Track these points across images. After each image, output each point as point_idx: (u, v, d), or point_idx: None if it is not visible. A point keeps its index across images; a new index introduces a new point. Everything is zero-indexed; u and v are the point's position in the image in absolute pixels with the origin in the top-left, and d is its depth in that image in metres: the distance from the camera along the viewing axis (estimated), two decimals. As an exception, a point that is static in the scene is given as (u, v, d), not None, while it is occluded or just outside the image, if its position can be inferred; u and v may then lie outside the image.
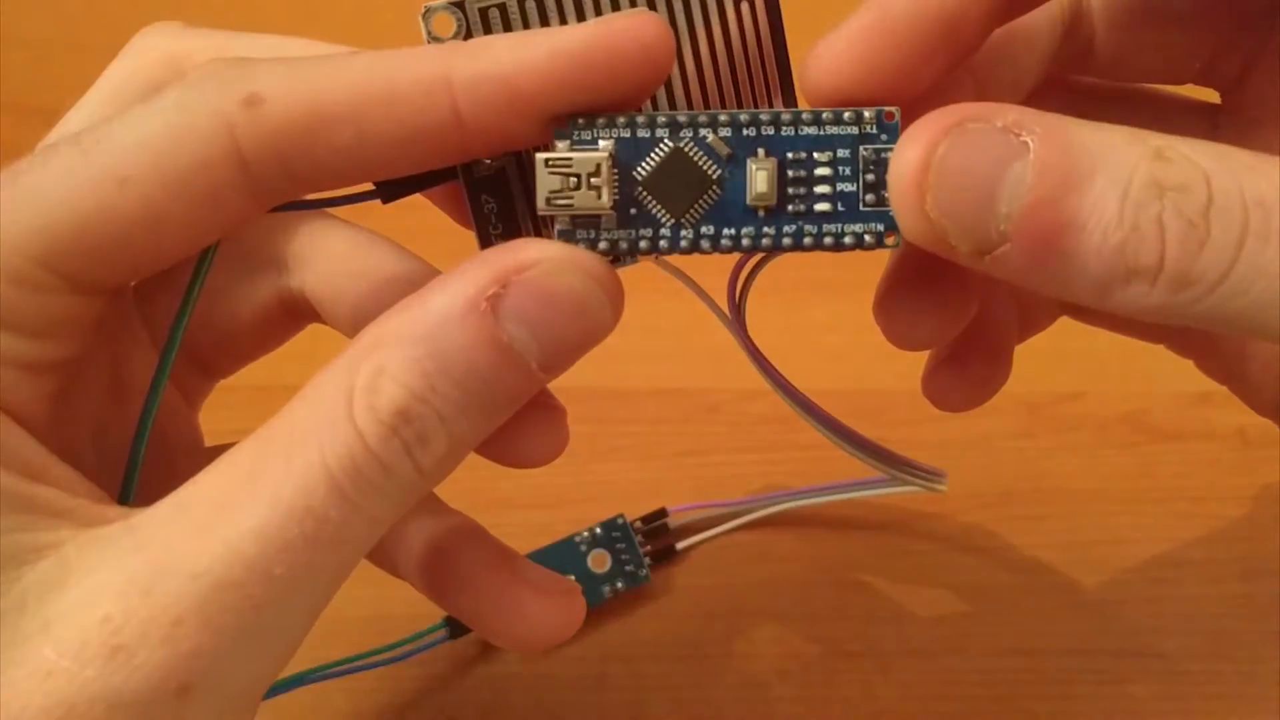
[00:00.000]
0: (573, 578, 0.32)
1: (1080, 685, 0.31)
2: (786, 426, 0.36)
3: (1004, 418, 0.38)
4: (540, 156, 0.18)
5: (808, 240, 0.19)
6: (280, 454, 0.17)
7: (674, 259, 0.19)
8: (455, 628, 0.31)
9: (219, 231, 0.19)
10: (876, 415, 0.36)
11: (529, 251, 0.18)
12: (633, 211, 0.18)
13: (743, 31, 0.20)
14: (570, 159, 0.18)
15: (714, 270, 0.21)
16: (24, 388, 0.18)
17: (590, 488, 0.36)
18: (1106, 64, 0.24)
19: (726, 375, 0.38)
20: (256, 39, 0.21)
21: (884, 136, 0.18)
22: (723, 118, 0.18)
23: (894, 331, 0.23)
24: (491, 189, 0.20)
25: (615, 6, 0.19)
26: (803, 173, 0.18)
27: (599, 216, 0.18)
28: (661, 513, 0.34)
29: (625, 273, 0.19)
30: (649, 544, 0.33)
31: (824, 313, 0.40)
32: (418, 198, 0.21)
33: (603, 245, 0.18)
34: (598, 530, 0.33)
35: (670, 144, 0.18)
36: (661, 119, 0.18)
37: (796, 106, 0.21)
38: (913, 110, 0.18)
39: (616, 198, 0.18)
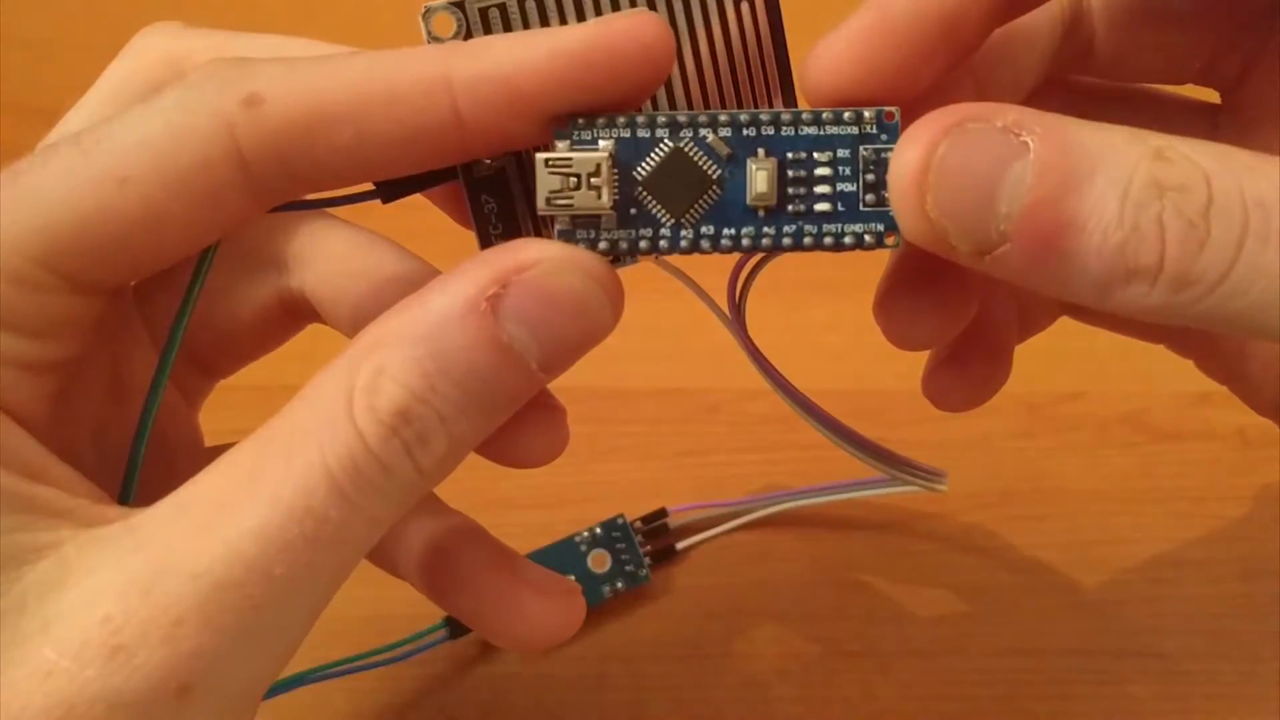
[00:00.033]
0: (573, 578, 0.32)
1: (1080, 685, 0.31)
2: (786, 426, 0.36)
3: (1004, 418, 0.38)
4: (540, 156, 0.18)
5: (808, 240, 0.19)
6: (280, 454, 0.17)
7: (674, 259, 0.19)
8: (455, 628, 0.31)
9: (219, 231, 0.19)
10: (876, 415, 0.36)
11: (529, 251, 0.18)
12: (633, 211, 0.18)
13: (743, 31, 0.20)
14: (570, 159, 0.18)
15: (714, 270, 0.21)
16: (24, 388, 0.18)
17: (590, 488, 0.36)
18: (1106, 64, 0.24)
19: (726, 375, 0.38)
20: (256, 39, 0.21)
21: (884, 136, 0.18)
22: (723, 118, 0.18)
23: (894, 331, 0.23)
24: (492, 189, 0.20)
25: (615, 6, 0.19)
26: (803, 173, 0.18)
27: (599, 216, 0.18)
28: (661, 513, 0.34)
29: (625, 273, 0.19)
30: (649, 544, 0.33)
31: (824, 313, 0.40)
32: (418, 198, 0.21)
33: (603, 245, 0.18)
34: (598, 530, 0.33)
35: (670, 144, 0.18)
36: (661, 119, 0.18)
37: (796, 106, 0.21)
38: (913, 110, 0.18)
39: (616, 198, 0.18)
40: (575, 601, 0.23)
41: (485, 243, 0.21)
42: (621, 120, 0.18)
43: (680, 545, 0.34)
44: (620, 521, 0.33)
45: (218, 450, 0.18)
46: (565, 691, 0.31)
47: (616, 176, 0.18)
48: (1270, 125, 0.23)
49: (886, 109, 0.18)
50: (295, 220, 0.23)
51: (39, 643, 0.16)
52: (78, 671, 0.16)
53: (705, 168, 0.18)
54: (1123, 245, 0.16)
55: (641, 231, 0.18)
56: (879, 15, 0.19)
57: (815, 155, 0.18)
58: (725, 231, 0.19)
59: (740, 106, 0.21)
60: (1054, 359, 0.35)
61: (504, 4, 0.19)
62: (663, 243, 0.19)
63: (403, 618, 0.30)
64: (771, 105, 0.21)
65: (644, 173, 0.18)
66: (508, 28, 0.19)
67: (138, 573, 0.16)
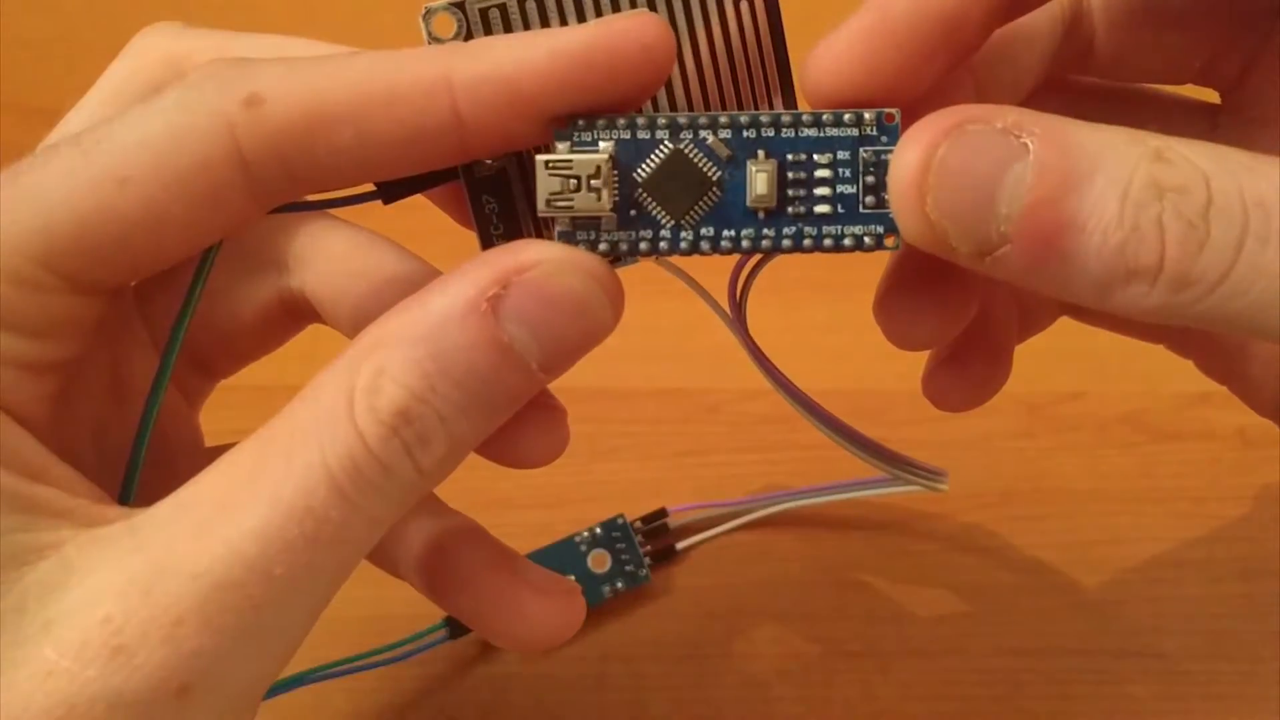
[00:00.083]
0: (573, 578, 0.32)
1: (1080, 685, 0.31)
2: (786, 426, 0.36)
3: (1004, 418, 0.38)
4: (540, 158, 0.18)
5: (807, 242, 0.19)
6: (281, 454, 0.17)
7: (674, 259, 0.19)
8: (455, 628, 0.31)
9: (219, 232, 0.19)
10: (876, 415, 0.36)
11: (529, 252, 0.18)
12: (633, 213, 0.18)
13: (743, 32, 0.20)
14: (570, 161, 0.18)
15: (714, 270, 0.21)
16: (24, 388, 0.18)
17: (590, 488, 0.36)
18: (1106, 64, 0.24)
19: (726, 375, 0.38)
20: (257, 39, 0.21)
21: (884, 138, 0.18)
22: (723, 119, 0.18)
23: (894, 332, 0.23)
24: (493, 189, 0.20)
25: (616, 7, 0.19)
26: (803, 174, 0.18)
27: (599, 218, 0.18)
28: (661, 513, 0.34)
29: (625, 273, 0.19)
30: (649, 544, 0.33)
31: (824, 313, 0.40)
32: (418, 198, 0.21)
33: (603, 246, 0.18)
34: (598, 530, 0.33)
35: (670, 145, 0.18)
36: (661, 120, 0.18)
37: (796, 108, 0.21)
38: (913, 111, 0.18)
39: (616, 199, 0.18)
40: (575, 601, 0.23)
41: (486, 243, 0.21)
42: (622, 121, 0.18)
43: (680, 545, 0.34)
44: (620, 521, 0.33)
45: (218, 450, 0.18)
46: (565, 691, 0.31)
47: (616, 178, 0.18)
48: (1270, 125, 0.23)
49: (887, 111, 0.18)
50: (296, 221, 0.23)
51: (39, 643, 0.16)
52: (78, 671, 0.16)
53: (705, 169, 0.18)
54: (1122, 245, 0.16)
55: (641, 233, 0.18)
56: (879, 16, 0.19)
57: (815, 157, 0.18)
58: (725, 233, 0.19)
59: (740, 108, 0.21)
60: (1054, 359, 0.35)
61: (504, 4, 0.19)
62: (662, 244, 0.19)
63: (403, 618, 0.30)
64: (771, 106, 0.21)
65: (644, 174, 0.18)
66: (508, 28, 0.19)
67: (138, 573, 0.16)
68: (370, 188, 0.20)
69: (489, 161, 0.20)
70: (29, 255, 0.17)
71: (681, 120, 0.18)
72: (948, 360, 0.25)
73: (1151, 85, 0.25)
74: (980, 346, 0.25)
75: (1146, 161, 0.16)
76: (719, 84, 0.20)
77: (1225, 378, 0.27)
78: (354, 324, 0.23)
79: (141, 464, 0.20)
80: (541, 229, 0.21)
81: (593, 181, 0.18)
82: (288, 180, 0.18)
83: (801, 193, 0.19)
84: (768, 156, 0.18)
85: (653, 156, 0.18)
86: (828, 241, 0.19)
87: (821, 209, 0.19)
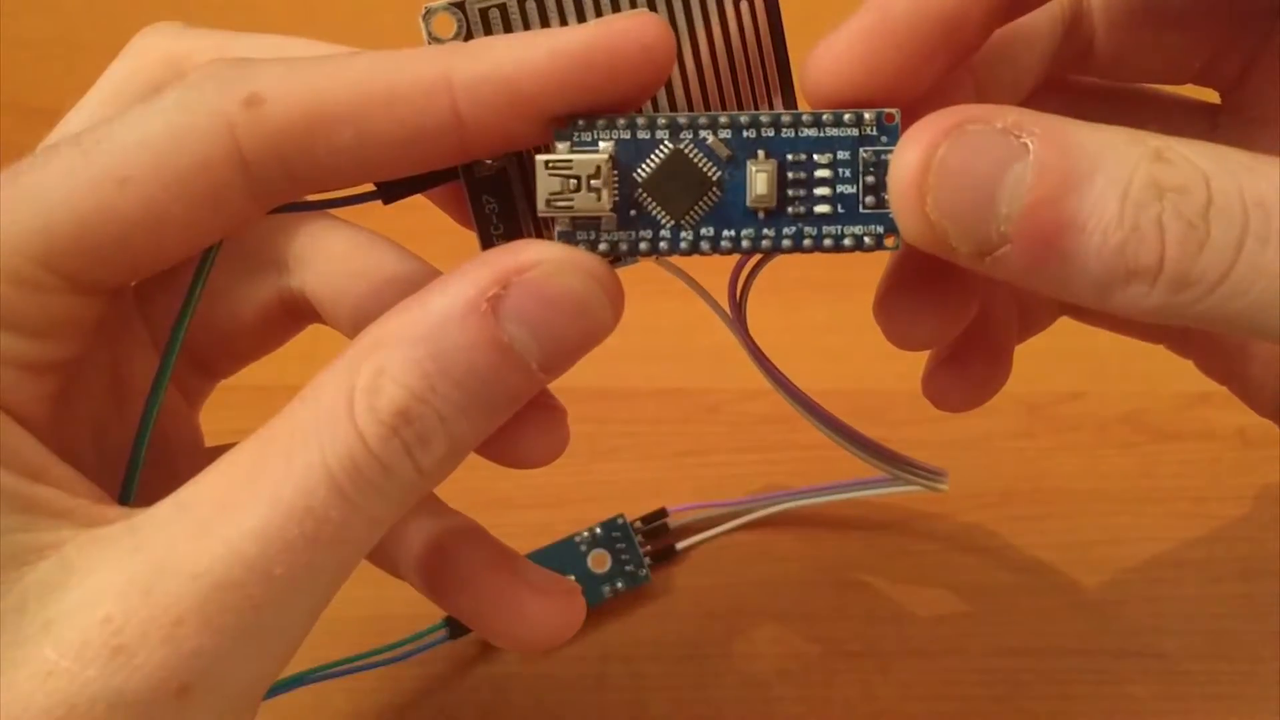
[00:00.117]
0: (573, 578, 0.32)
1: (1080, 685, 0.31)
2: (786, 426, 0.36)
3: (1004, 418, 0.38)
4: (540, 158, 0.18)
5: (807, 242, 0.19)
6: (281, 454, 0.17)
7: (674, 259, 0.19)
8: (455, 628, 0.31)
9: (219, 232, 0.19)
10: (876, 415, 0.36)
11: (529, 252, 0.18)
12: (632, 213, 0.18)
13: (742, 32, 0.20)
14: (570, 161, 0.18)
15: (714, 270, 0.21)
16: (24, 388, 0.18)
17: (590, 488, 0.36)
18: (1106, 64, 0.24)
19: (726, 375, 0.38)
20: (257, 39, 0.21)
21: (884, 138, 0.18)
22: (723, 119, 0.18)
23: (894, 332, 0.23)
24: (493, 189, 0.20)
25: (616, 7, 0.19)
26: (803, 174, 0.18)
27: (599, 218, 0.18)
28: (661, 513, 0.34)
29: (625, 273, 0.19)
30: (649, 544, 0.33)
31: (824, 313, 0.40)
32: (419, 198, 0.21)
33: (603, 246, 0.18)
34: (598, 530, 0.33)
35: (670, 145, 0.18)
36: (661, 120, 0.18)
37: (796, 108, 0.21)
38: (913, 111, 0.18)
39: (616, 199, 0.18)
40: (575, 602, 0.23)
41: (487, 243, 0.21)
42: (621, 121, 0.18)
43: (680, 545, 0.34)
44: (620, 521, 0.33)
45: (218, 450, 0.18)
46: (565, 691, 0.31)
47: (616, 178, 0.18)
48: (1270, 125, 0.24)
49: (886, 111, 0.18)
50: (296, 221, 0.23)
51: (39, 643, 0.16)
52: (78, 671, 0.16)
53: (705, 169, 0.18)
54: (1122, 246, 0.16)
55: (641, 233, 0.18)
56: (879, 16, 0.19)
57: (815, 157, 0.18)
58: (725, 233, 0.19)
59: (740, 108, 0.21)
60: (1054, 359, 0.35)
61: (504, 4, 0.19)
62: (662, 244, 0.19)
63: (403, 618, 0.30)
64: (771, 106, 0.21)
65: (644, 174, 0.18)
66: (508, 28, 0.19)
67: (138, 573, 0.16)
68: (370, 188, 0.20)
69: (489, 161, 0.20)
70: (29, 255, 0.17)
71: (681, 120, 0.18)
72: (948, 360, 0.25)
73: (1151, 85, 0.25)
74: (980, 347, 0.25)
75: (1146, 161, 0.16)
76: (719, 84, 0.20)
77: (1225, 378, 0.27)
78: (354, 324, 0.23)
79: (141, 464, 0.20)
80: (541, 229, 0.21)
81: (593, 181, 0.18)
82: (288, 180, 0.18)
83: (801, 193, 0.19)
84: (768, 156, 0.18)
85: (653, 156, 0.18)
86: (828, 241, 0.19)
87: (821, 209, 0.19)
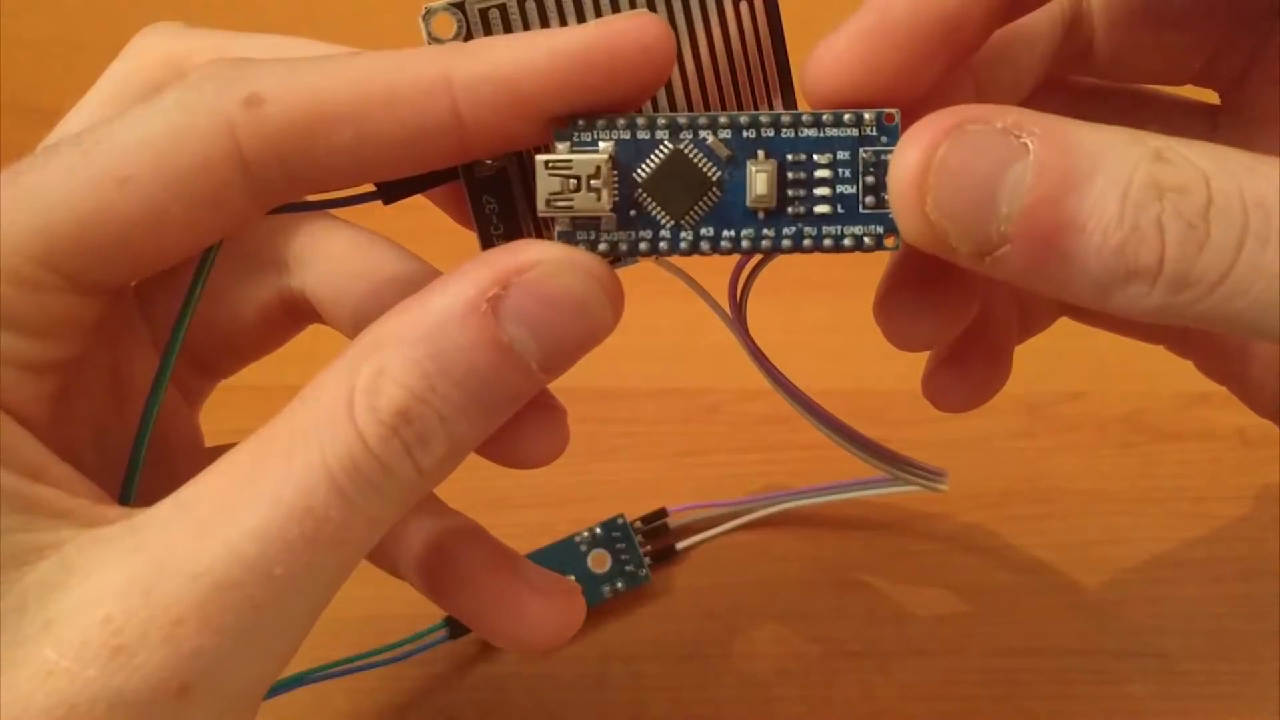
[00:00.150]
0: (573, 578, 0.32)
1: (1080, 685, 0.31)
2: (786, 426, 0.36)
3: (1004, 418, 0.38)
4: (540, 159, 0.18)
5: (807, 242, 0.19)
6: (281, 454, 0.17)
7: (674, 258, 0.19)
8: (455, 628, 0.31)
9: (219, 232, 0.19)
10: (876, 415, 0.36)
11: (529, 253, 0.18)
12: (632, 213, 0.18)
13: (742, 32, 0.20)
14: (570, 161, 0.18)
15: (714, 270, 0.21)
16: (25, 387, 0.18)
17: (590, 488, 0.36)
18: (1106, 64, 0.24)
19: (726, 375, 0.38)
20: (257, 39, 0.21)
21: (884, 138, 0.18)
22: (722, 119, 0.18)
23: (894, 332, 0.23)
24: (493, 189, 0.20)
25: (616, 7, 0.19)
26: (802, 175, 0.18)
27: (599, 218, 0.18)
28: (661, 513, 0.34)
29: (625, 273, 0.19)
30: (649, 544, 0.33)
31: (824, 313, 0.40)
32: (419, 198, 0.21)
33: (603, 246, 0.18)
34: (598, 530, 0.33)
35: (670, 146, 0.18)
36: (661, 120, 0.18)
37: (796, 108, 0.21)
38: (913, 111, 0.18)
39: (616, 199, 0.18)
40: (575, 602, 0.23)
41: (487, 243, 0.21)
42: (621, 122, 0.18)
43: (680, 545, 0.34)
44: (620, 521, 0.33)
45: (218, 450, 0.18)
46: (565, 691, 0.31)
47: (616, 178, 0.18)
48: (1270, 126, 0.23)
49: (886, 111, 0.18)
50: (296, 221, 0.23)
51: (40, 643, 0.16)
52: (78, 671, 0.16)
53: (705, 169, 0.18)
54: (1122, 246, 0.16)
55: (641, 233, 0.18)
56: (879, 17, 0.19)
57: (815, 157, 0.18)
58: (725, 233, 0.19)
59: (740, 108, 0.21)
60: (1054, 359, 0.35)
61: (504, 5, 0.19)
62: (662, 244, 0.19)
63: (403, 618, 0.30)
64: (771, 107, 0.21)
65: (644, 174, 0.18)
66: (508, 29, 0.19)
67: (138, 573, 0.16)
68: (370, 188, 0.20)
69: (489, 161, 0.20)
70: (29, 255, 0.17)
71: (681, 120, 0.18)
72: (948, 361, 0.25)
73: (1151, 85, 0.25)
74: (980, 347, 0.25)
75: (1146, 161, 0.16)
76: (719, 84, 0.20)
77: (1225, 378, 0.27)
78: (354, 324, 0.23)
79: (141, 464, 0.20)
80: (541, 229, 0.21)
81: (593, 181, 0.18)
82: (288, 180, 0.18)
83: (801, 193, 0.19)
84: (768, 156, 0.18)
85: (653, 157, 0.18)
86: (828, 242, 0.19)
87: (821, 209, 0.19)
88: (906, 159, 0.17)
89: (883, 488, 0.31)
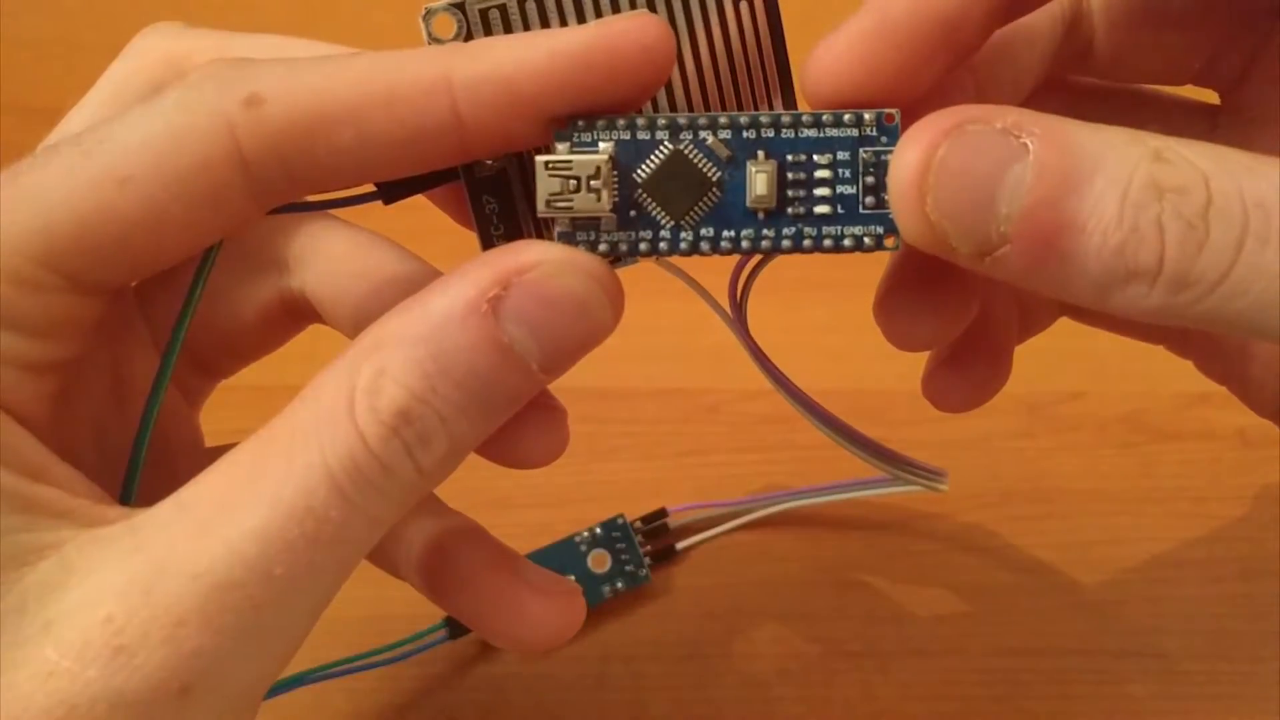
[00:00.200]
0: (573, 578, 0.32)
1: (1080, 685, 0.31)
2: (786, 426, 0.36)
3: (1004, 418, 0.38)
4: (540, 159, 0.18)
5: (807, 243, 0.19)
6: (281, 454, 0.17)
7: (674, 259, 0.19)
8: (455, 628, 0.31)
9: (219, 232, 0.19)
10: (876, 415, 0.36)
11: (529, 253, 0.18)
12: (632, 213, 0.18)
13: (742, 33, 0.20)
14: (570, 161, 0.18)
15: (714, 270, 0.21)
16: (25, 387, 0.18)
17: (590, 488, 0.36)
18: (1106, 64, 0.24)
19: (726, 375, 0.38)
20: (257, 39, 0.21)
21: (884, 139, 0.18)
22: (722, 120, 0.18)
23: (894, 332, 0.23)
24: (493, 189, 0.20)
25: (616, 8, 0.19)
26: (802, 175, 0.18)
27: (599, 218, 0.18)
28: (661, 513, 0.34)
29: (625, 273, 0.19)
30: (649, 544, 0.33)
31: (824, 313, 0.40)
32: (419, 198, 0.21)
33: (603, 247, 0.18)
34: (598, 530, 0.33)
35: (670, 146, 0.18)
36: (661, 121, 0.18)
37: (796, 108, 0.21)
38: (913, 111, 0.18)
39: (616, 200, 0.18)
40: (575, 602, 0.23)
41: (487, 243, 0.21)
42: (621, 122, 0.18)
43: (680, 545, 0.34)
44: (620, 521, 0.33)
45: (218, 450, 0.18)
46: (565, 691, 0.31)
47: (616, 178, 0.18)
48: (1270, 126, 0.23)
49: (886, 111, 0.18)
50: (296, 221, 0.23)
51: (40, 643, 0.16)
52: (79, 672, 0.16)
53: (705, 170, 0.18)
54: (1122, 246, 0.16)
55: (641, 233, 0.18)
56: (879, 17, 0.19)
57: (815, 157, 0.18)
58: (725, 233, 0.19)
59: (740, 108, 0.21)
60: (1054, 359, 0.35)
61: (504, 5, 0.19)
62: (662, 244, 0.19)
63: (403, 618, 0.30)
64: (771, 107, 0.21)
65: (644, 175, 0.18)
66: (508, 29, 0.19)
67: (139, 573, 0.16)
68: (370, 188, 0.20)
69: (489, 162, 0.20)
70: (29, 255, 0.17)
71: (681, 121, 0.18)
72: (948, 361, 0.25)
73: (1151, 85, 0.25)
74: (980, 347, 0.25)
75: (1146, 162, 0.16)
76: (719, 84, 0.20)
77: (1225, 378, 0.27)
78: (354, 324, 0.23)
79: (141, 464, 0.20)
80: (541, 229, 0.21)
81: (592, 182, 0.18)
82: (288, 180, 0.18)
83: (801, 193, 0.19)
84: (767, 157, 0.18)
85: (652, 157, 0.18)
86: (827, 242, 0.19)
87: (821, 209, 0.19)
88: (906, 159, 0.17)
89: (883, 488, 0.31)
